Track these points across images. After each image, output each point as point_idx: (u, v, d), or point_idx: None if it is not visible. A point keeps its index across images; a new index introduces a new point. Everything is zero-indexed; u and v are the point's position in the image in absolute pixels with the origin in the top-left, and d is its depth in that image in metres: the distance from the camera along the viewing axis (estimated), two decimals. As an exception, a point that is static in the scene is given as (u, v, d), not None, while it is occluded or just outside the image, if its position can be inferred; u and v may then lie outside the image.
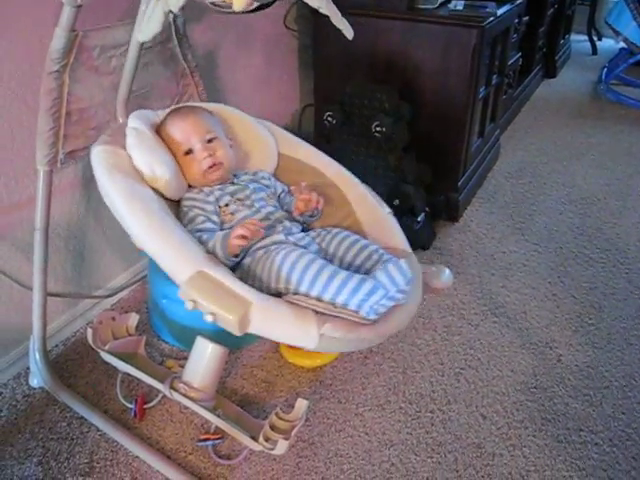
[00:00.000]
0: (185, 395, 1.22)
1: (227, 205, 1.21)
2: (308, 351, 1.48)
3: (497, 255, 1.99)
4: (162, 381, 1.25)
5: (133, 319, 1.45)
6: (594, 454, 1.30)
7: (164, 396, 1.37)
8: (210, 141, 1.24)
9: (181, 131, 1.23)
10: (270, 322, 0.95)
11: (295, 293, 0.99)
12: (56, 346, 1.59)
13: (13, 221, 1.41)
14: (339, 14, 1.09)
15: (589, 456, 1.30)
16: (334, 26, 1.11)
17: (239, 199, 1.22)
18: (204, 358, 1.24)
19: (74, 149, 1.30)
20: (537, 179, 2.52)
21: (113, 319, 1.41)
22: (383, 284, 0.96)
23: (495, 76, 2.26)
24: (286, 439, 1.11)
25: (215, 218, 1.19)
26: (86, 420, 1.37)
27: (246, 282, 1.00)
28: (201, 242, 1.08)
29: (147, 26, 1.09)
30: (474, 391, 1.46)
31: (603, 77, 3.55)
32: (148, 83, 1.42)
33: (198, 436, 1.33)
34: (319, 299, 0.97)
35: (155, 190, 1.15)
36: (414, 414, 1.40)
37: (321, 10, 1.06)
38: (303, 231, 1.23)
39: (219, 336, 1.30)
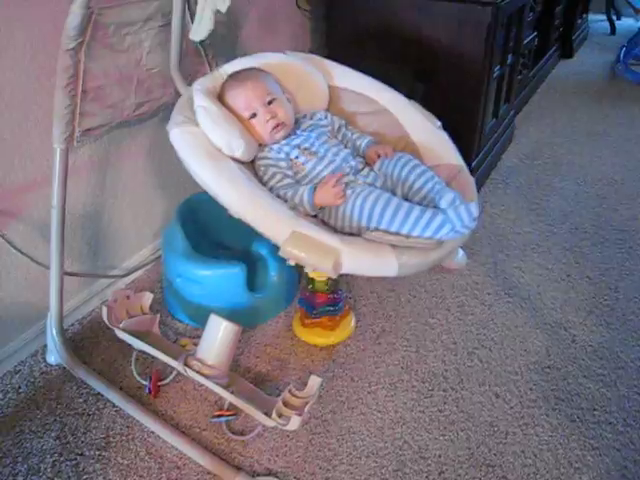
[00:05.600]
0: (199, 372, 1.24)
1: (297, 157, 1.30)
2: (321, 330, 1.51)
3: (511, 236, 1.98)
4: (176, 358, 1.27)
5: (147, 298, 1.46)
6: (608, 434, 1.30)
7: (178, 373, 1.39)
8: (270, 102, 1.30)
9: (242, 98, 1.30)
10: (357, 262, 1.09)
11: (375, 229, 1.12)
12: (72, 325, 1.61)
13: (29, 200, 1.42)
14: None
15: (603, 435, 1.29)
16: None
17: (306, 149, 1.31)
18: (218, 335, 1.25)
19: (90, 127, 1.31)
20: (552, 160, 2.50)
21: (128, 298, 1.43)
22: (451, 220, 1.08)
23: (510, 56, 2.24)
24: (299, 415, 1.13)
25: (290, 172, 1.29)
26: (102, 396, 1.39)
27: (328, 221, 1.20)
28: (286, 199, 1.21)
29: (199, 27, 1.24)
30: (487, 370, 1.46)
31: (621, 57, 3.50)
32: (164, 60, 1.42)
33: (212, 412, 1.34)
34: (397, 233, 1.10)
35: (235, 159, 1.23)
36: (427, 393, 1.40)
37: None
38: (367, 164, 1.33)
39: (232, 314, 1.31)
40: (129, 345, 1.39)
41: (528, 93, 3.07)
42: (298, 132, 1.35)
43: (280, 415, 1.17)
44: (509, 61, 2.23)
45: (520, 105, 2.91)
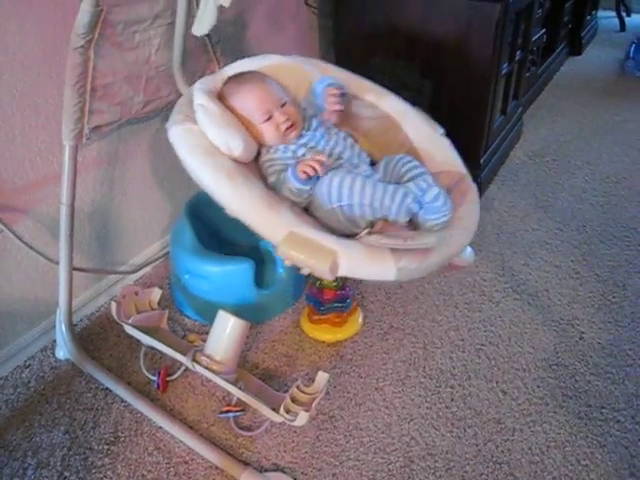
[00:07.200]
0: (207, 368, 1.24)
1: (304, 155, 1.27)
2: (329, 326, 1.52)
3: (519, 233, 1.98)
4: (184, 354, 1.28)
5: (156, 294, 1.47)
6: (616, 431, 1.30)
7: (186, 369, 1.40)
8: (283, 105, 1.29)
9: (255, 100, 1.28)
10: (355, 265, 1.04)
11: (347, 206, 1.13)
12: (81, 320, 1.62)
13: (39, 196, 1.43)
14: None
15: (611, 433, 1.29)
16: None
17: (312, 147, 1.29)
18: (226, 331, 1.26)
19: (99, 124, 1.31)
20: (561, 158, 2.48)
21: (136, 294, 1.44)
22: (411, 189, 1.12)
23: (518, 52, 2.23)
24: (307, 411, 1.13)
25: None
26: (111, 391, 1.40)
27: (314, 212, 1.18)
28: (283, 191, 1.19)
29: (201, 22, 1.21)
30: (494, 367, 1.46)
31: (631, 54, 3.46)
32: (171, 59, 1.42)
33: (220, 408, 1.34)
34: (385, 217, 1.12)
35: (233, 159, 1.20)
36: (434, 389, 1.40)
37: None
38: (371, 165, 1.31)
39: (240, 310, 1.32)
40: (138, 341, 1.40)
41: (536, 90, 3.06)
42: (303, 132, 1.33)
43: (288, 411, 1.17)
44: (517, 58, 2.22)
45: (528, 102, 2.89)
